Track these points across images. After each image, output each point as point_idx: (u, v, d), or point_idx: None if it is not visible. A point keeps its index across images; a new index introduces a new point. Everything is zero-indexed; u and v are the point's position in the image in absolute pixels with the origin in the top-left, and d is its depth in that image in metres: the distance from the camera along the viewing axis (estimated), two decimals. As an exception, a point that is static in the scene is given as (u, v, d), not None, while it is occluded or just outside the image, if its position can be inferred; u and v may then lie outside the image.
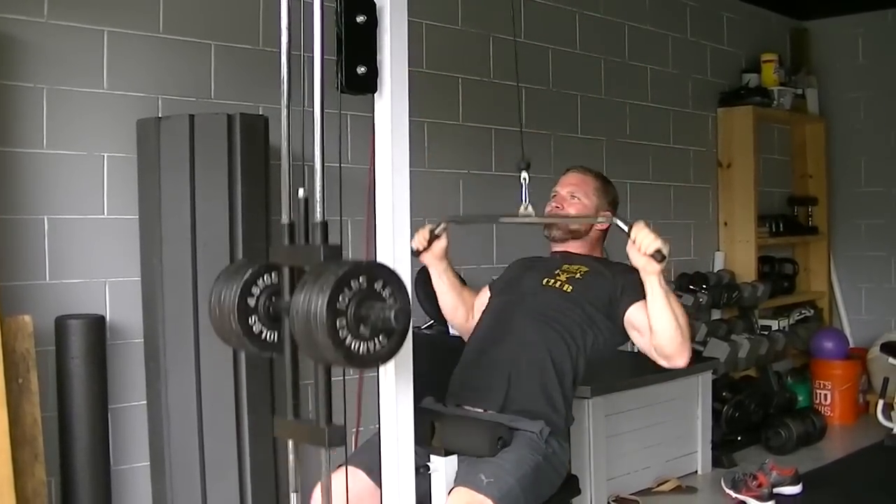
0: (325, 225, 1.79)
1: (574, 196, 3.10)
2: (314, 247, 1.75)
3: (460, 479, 2.52)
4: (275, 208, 3.25)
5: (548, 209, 3.13)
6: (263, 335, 1.82)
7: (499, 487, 2.46)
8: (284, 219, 1.84)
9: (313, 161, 1.81)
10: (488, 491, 2.45)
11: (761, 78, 6.33)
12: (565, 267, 3.05)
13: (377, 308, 1.64)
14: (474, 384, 2.88)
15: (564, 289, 2.96)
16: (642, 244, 2.57)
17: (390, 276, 1.70)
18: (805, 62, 6.84)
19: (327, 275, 1.61)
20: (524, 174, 2.82)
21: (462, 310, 3.19)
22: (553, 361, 2.83)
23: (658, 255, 2.55)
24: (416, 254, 2.98)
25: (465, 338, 3.15)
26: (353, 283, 1.62)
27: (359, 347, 1.63)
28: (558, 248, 3.16)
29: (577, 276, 3.00)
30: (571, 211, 3.09)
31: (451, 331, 4.00)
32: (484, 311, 3.10)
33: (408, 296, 1.75)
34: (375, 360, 1.69)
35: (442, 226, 3.00)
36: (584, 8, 5.23)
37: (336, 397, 1.83)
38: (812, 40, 6.94)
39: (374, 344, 1.66)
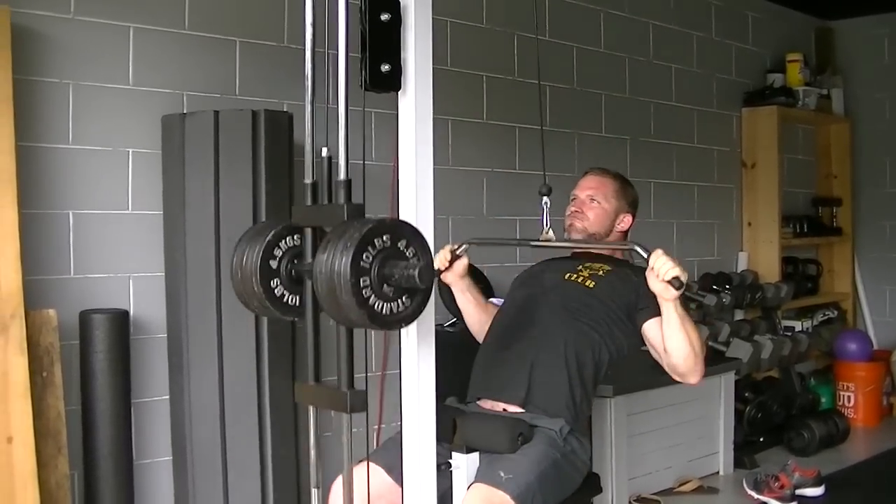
0: (348, 183, 1.76)
1: (594, 200, 3.15)
2: (337, 206, 1.73)
3: (479, 476, 2.53)
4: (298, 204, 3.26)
5: (567, 213, 3.18)
6: (286, 298, 1.81)
7: (517, 484, 2.47)
8: (307, 179, 1.83)
9: (337, 158, 1.82)
10: (506, 487, 2.46)
11: (786, 78, 6.28)
12: (588, 264, 3.08)
13: (401, 267, 1.63)
14: (496, 379, 2.90)
15: (587, 284, 3.00)
16: (660, 270, 2.60)
17: (414, 234, 1.69)
18: (830, 62, 6.78)
19: (351, 233, 1.60)
20: (545, 199, 2.88)
21: (488, 325, 3.21)
22: (576, 355, 2.86)
23: (676, 282, 2.59)
24: (437, 273, 3.04)
25: None
26: (377, 242, 1.61)
27: (382, 307, 1.62)
28: (580, 252, 3.19)
29: (600, 273, 3.04)
30: (590, 215, 3.13)
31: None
32: (505, 303, 3.13)
33: (431, 255, 1.73)
34: (399, 320, 1.67)
35: (463, 247, 3.06)
36: (608, 7, 5.21)
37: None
38: (837, 40, 6.88)
39: (398, 304, 1.65)
